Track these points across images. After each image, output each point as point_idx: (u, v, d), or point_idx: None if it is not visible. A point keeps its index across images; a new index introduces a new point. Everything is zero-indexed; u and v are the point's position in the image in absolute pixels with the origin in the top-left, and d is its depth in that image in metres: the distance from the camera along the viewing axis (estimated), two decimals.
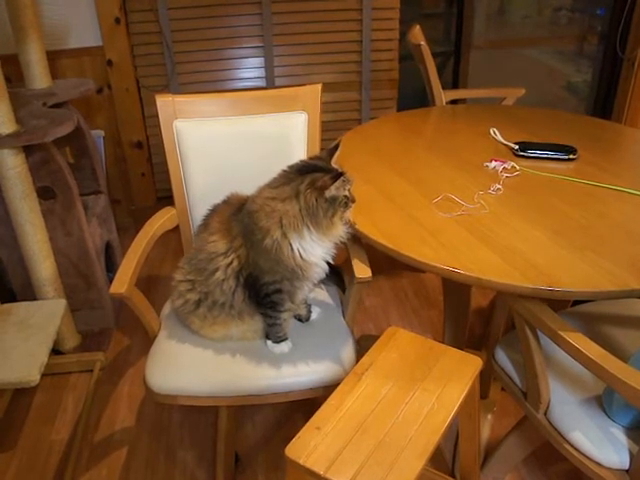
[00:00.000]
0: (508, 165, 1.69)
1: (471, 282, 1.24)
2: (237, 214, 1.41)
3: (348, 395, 1.19)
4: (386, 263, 2.74)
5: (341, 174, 1.29)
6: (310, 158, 1.41)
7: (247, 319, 1.47)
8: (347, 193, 1.33)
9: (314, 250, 1.33)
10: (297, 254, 1.31)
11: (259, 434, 1.90)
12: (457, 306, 1.94)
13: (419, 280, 2.67)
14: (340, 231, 1.35)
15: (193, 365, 1.45)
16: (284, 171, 1.36)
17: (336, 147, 1.38)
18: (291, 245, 1.30)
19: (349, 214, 1.36)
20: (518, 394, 1.44)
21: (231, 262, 1.39)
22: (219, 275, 1.39)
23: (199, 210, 1.63)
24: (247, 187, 1.46)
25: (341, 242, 1.38)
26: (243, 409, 1.98)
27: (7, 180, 1.85)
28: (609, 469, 1.24)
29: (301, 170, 1.33)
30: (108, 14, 2.76)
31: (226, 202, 1.49)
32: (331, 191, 1.27)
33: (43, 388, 2.09)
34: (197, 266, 1.44)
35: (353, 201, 1.35)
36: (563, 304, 1.70)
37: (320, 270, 1.38)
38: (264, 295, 1.40)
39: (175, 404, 1.61)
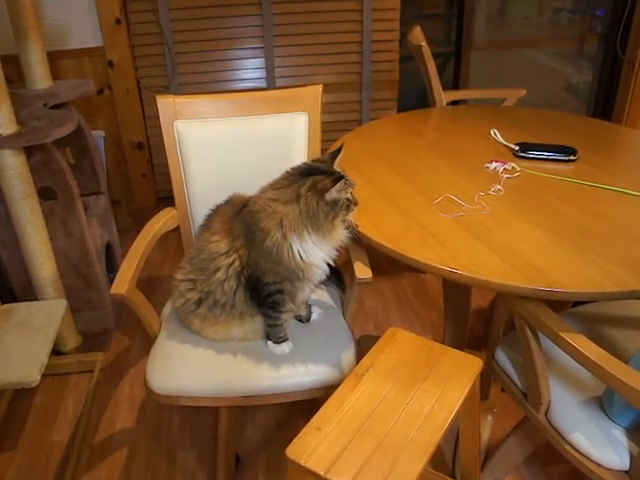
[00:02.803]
0: (508, 166, 1.69)
1: (471, 283, 1.24)
2: (239, 214, 1.41)
3: (348, 396, 1.19)
4: (386, 263, 2.74)
5: (342, 177, 1.29)
6: (313, 160, 1.41)
7: (248, 319, 1.47)
8: (349, 196, 1.33)
9: (314, 252, 1.33)
10: (297, 255, 1.31)
11: (259, 435, 1.90)
12: (457, 307, 1.94)
13: (419, 280, 2.67)
14: (341, 234, 1.35)
15: (194, 366, 1.45)
16: (287, 172, 1.36)
17: (339, 150, 1.38)
18: (291, 247, 1.30)
19: (351, 217, 1.36)
20: (518, 395, 1.44)
21: (232, 262, 1.39)
22: (220, 275, 1.39)
23: (200, 211, 1.63)
24: (248, 188, 1.47)
25: (342, 246, 1.38)
26: (243, 410, 1.98)
27: (8, 181, 1.85)
28: (609, 470, 1.24)
29: (303, 172, 1.33)
30: (109, 15, 2.77)
31: (228, 202, 1.49)
32: (332, 194, 1.27)
33: (43, 389, 2.09)
34: (198, 266, 1.44)
35: (355, 204, 1.35)
36: (563, 305, 1.70)
37: (321, 272, 1.38)
38: (265, 295, 1.40)
39: (175, 405, 1.61)
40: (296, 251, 1.31)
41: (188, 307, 1.47)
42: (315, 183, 1.28)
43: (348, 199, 1.32)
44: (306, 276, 1.36)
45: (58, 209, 2.08)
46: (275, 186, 1.35)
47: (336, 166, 1.37)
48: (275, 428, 1.92)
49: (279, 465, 1.79)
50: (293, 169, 1.37)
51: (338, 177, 1.28)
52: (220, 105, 1.67)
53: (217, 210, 1.50)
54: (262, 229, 1.31)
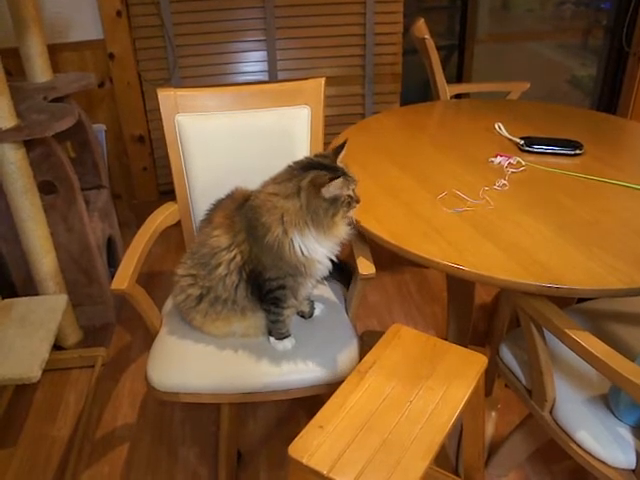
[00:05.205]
0: (513, 160, 1.67)
1: (476, 279, 1.23)
2: (241, 209, 1.39)
3: (351, 393, 1.18)
4: (389, 258, 2.72)
5: (342, 174, 1.27)
6: (316, 155, 1.39)
7: (249, 315, 1.45)
8: (351, 193, 1.31)
9: (316, 248, 1.31)
10: (298, 251, 1.30)
11: (261, 431, 1.89)
12: (461, 302, 1.92)
13: (422, 275, 2.66)
14: (342, 231, 1.33)
15: (195, 362, 1.44)
16: (289, 166, 1.35)
17: (342, 146, 1.36)
18: (292, 242, 1.29)
19: (352, 214, 1.34)
20: (523, 392, 1.42)
21: (234, 257, 1.37)
22: (222, 270, 1.38)
23: (201, 205, 1.61)
24: (249, 182, 1.45)
25: (344, 242, 1.36)
26: (245, 406, 1.97)
27: (8, 175, 1.84)
28: (615, 468, 1.23)
29: (305, 167, 1.31)
30: (109, 7, 2.75)
31: (230, 197, 1.48)
32: (329, 190, 1.25)
33: (44, 384, 2.09)
34: (200, 261, 1.43)
35: (357, 201, 1.33)
36: (568, 301, 1.69)
37: (323, 267, 1.36)
38: (267, 291, 1.39)
39: (176, 401, 1.60)
40: (297, 246, 1.30)
41: (189, 303, 1.46)
42: (315, 178, 1.26)
43: (350, 196, 1.30)
44: (308, 272, 1.35)
45: (59, 203, 2.07)
46: (277, 180, 1.34)
47: (339, 162, 1.35)
48: (277, 424, 1.92)
49: (281, 462, 1.78)
50: (296, 163, 1.35)
51: (338, 173, 1.26)
52: (222, 98, 1.66)
53: (219, 204, 1.48)
54: (263, 224, 1.29)
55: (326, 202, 1.26)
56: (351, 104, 3.26)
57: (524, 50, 3.76)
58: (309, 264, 1.33)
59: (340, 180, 1.25)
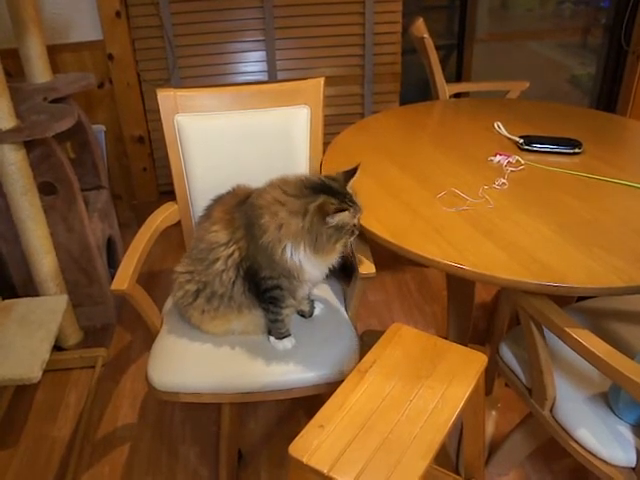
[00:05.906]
0: (513, 159, 1.67)
1: (476, 278, 1.23)
2: (242, 205, 1.39)
3: (352, 393, 1.18)
4: (389, 257, 2.72)
5: (350, 202, 1.27)
6: (327, 177, 1.35)
7: (246, 312, 1.45)
8: (355, 222, 1.30)
9: (306, 262, 1.31)
10: (289, 259, 1.29)
11: (262, 430, 1.89)
12: (461, 301, 1.92)
13: (422, 274, 2.66)
14: (333, 258, 1.34)
15: (195, 362, 1.44)
16: (301, 180, 1.33)
17: (354, 172, 1.34)
18: (284, 250, 1.28)
19: (351, 241, 1.33)
20: (523, 391, 1.42)
21: (232, 253, 1.37)
22: (219, 265, 1.38)
23: (201, 204, 1.61)
24: (249, 181, 1.46)
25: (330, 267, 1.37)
26: (246, 405, 1.97)
27: (8, 176, 1.84)
28: (615, 467, 1.23)
29: (316, 189, 1.29)
30: (109, 7, 2.74)
31: (231, 193, 1.48)
32: (334, 219, 1.24)
33: (45, 385, 2.09)
34: (197, 256, 1.43)
35: (359, 230, 1.33)
36: (568, 299, 1.69)
37: (316, 276, 1.36)
38: (264, 290, 1.39)
39: (177, 401, 1.60)
40: (288, 255, 1.29)
41: (186, 299, 1.46)
42: (323, 204, 1.25)
43: (354, 225, 1.30)
44: (301, 278, 1.34)
45: (59, 204, 2.07)
46: (285, 190, 1.31)
47: (349, 188, 1.33)
48: (277, 424, 1.92)
49: (281, 461, 1.78)
50: (308, 180, 1.33)
51: (345, 203, 1.26)
52: (221, 98, 1.66)
53: (219, 200, 1.48)
54: (261, 226, 1.29)
55: (332, 229, 1.25)
56: (350, 104, 3.26)
57: (523, 49, 3.76)
58: (301, 271, 1.32)
59: (346, 213, 1.25)
